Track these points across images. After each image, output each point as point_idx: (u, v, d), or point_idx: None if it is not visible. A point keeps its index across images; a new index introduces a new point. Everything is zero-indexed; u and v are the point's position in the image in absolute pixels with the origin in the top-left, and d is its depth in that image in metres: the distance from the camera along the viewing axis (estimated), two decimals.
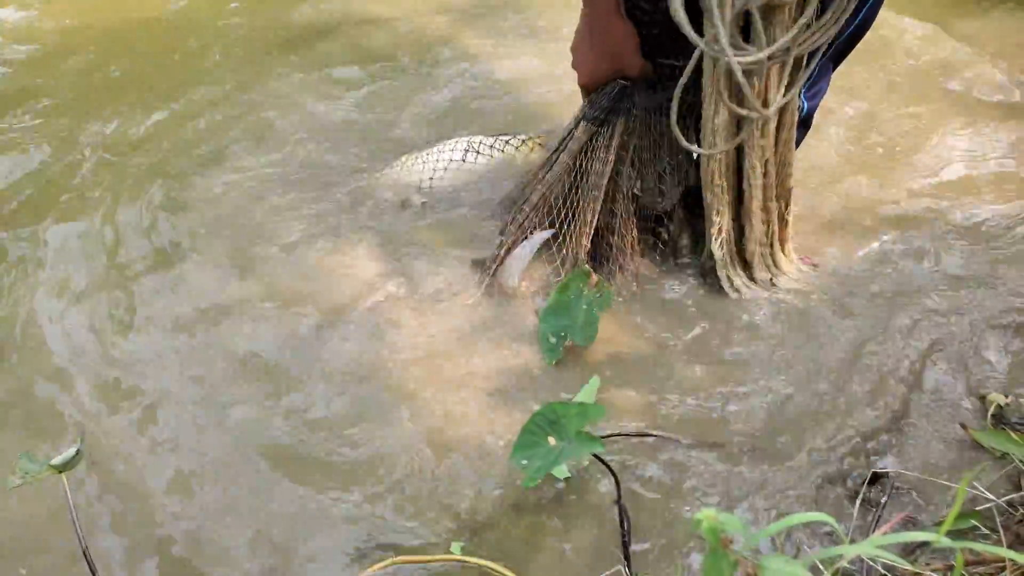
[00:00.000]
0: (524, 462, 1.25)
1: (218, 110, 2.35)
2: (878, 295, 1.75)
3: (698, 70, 1.45)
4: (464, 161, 1.99)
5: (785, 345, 1.64)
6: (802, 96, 1.59)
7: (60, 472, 1.24)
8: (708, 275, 1.75)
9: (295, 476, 1.43)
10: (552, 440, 1.26)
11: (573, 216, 1.74)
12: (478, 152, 2.00)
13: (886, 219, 1.96)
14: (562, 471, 1.40)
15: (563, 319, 1.64)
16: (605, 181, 1.70)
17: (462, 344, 1.64)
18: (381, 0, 2.93)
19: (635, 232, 1.76)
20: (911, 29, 2.70)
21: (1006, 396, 1.52)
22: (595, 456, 1.29)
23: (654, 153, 1.71)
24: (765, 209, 1.64)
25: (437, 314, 1.70)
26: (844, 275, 1.80)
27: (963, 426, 1.47)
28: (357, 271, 1.81)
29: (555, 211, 1.75)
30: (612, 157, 1.69)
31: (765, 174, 1.58)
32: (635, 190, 1.73)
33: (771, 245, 1.71)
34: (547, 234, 1.75)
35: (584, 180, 1.72)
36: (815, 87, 1.65)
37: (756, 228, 1.66)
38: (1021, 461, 1.19)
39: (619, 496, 1.33)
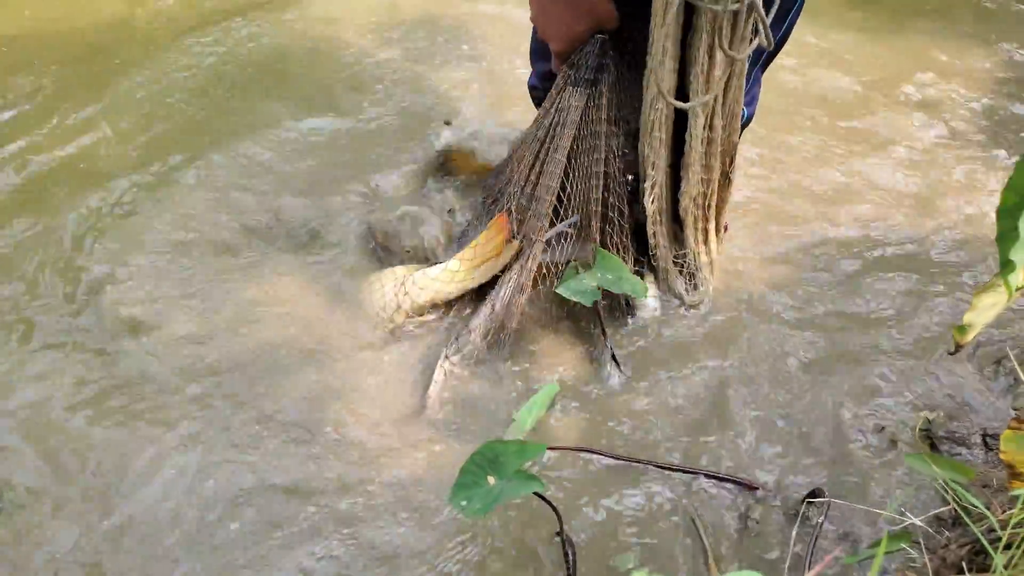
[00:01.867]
0: (464, 503, 1.24)
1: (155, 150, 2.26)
2: (811, 311, 1.79)
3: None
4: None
5: (723, 364, 1.67)
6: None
7: None
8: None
9: (236, 510, 1.40)
10: (491, 479, 1.25)
11: (588, 192, 1.67)
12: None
13: (817, 234, 2.00)
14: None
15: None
16: (603, 144, 1.64)
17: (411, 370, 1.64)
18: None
19: (627, 202, 1.70)
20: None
21: (932, 411, 1.57)
22: (537, 495, 1.29)
23: (630, 108, 1.66)
24: (706, 166, 1.60)
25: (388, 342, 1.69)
26: (778, 291, 1.83)
27: (894, 442, 1.52)
28: (304, 302, 1.78)
29: (569, 188, 1.67)
30: (605, 117, 1.62)
31: (710, 127, 1.56)
32: (623, 149, 1.67)
33: (707, 207, 1.67)
34: (572, 220, 1.69)
35: (585, 147, 1.64)
36: (749, 94, 1.66)
37: (692, 183, 1.62)
38: (944, 483, 1.23)
39: (561, 529, 1.33)
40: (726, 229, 1.80)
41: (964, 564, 1.10)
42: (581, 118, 1.62)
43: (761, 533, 1.39)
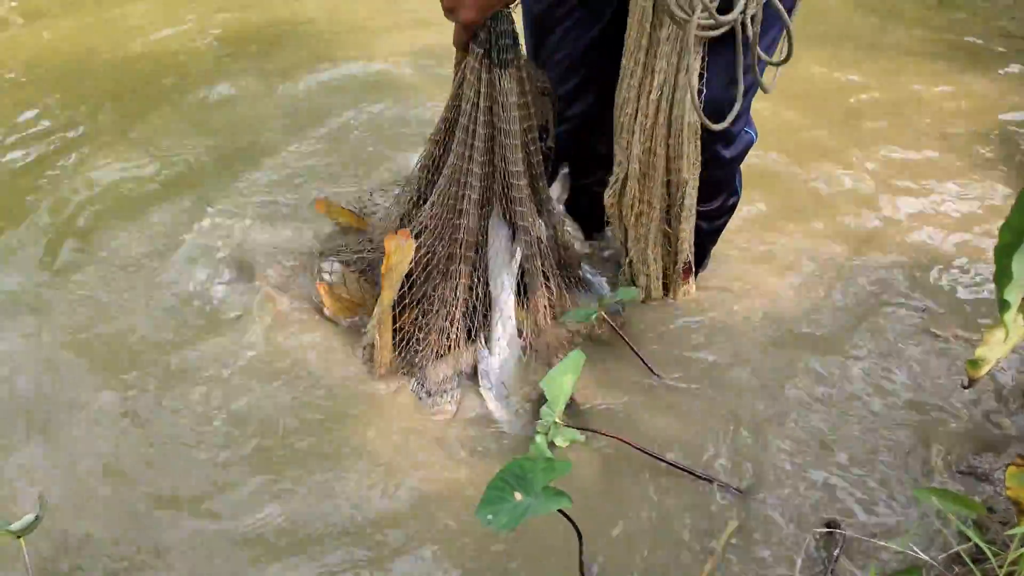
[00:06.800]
0: (490, 517, 1.29)
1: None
2: (823, 334, 1.84)
3: None
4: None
5: (741, 388, 1.72)
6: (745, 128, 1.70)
7: (19, 537, 1.24)
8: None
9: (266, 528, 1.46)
10: (518, 495, 1.30)
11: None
12: None
13: (826, 258, 2.05)
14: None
15: None
16: (538, 117, 1.68)
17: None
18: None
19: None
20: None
21: (953, 445, 1.59)
22: (562, 513, 1.34)
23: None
24: (645, 174, 1.63)
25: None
26: (782, 312, 1.88)
27: (912, 475, 1.54)
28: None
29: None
30: (532, 89, 1.63)
31: (652, 135, 1.58)
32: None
33: (646, 224, 1.72)
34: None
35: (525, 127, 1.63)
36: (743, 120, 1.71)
37: (629, 187, 1.66)
38: (959, 519, 1.25)
39: (581, 550, 1.37)
40: (688, 272, 1.82)
41: None
42: (519, 98, 1.58)
43: (769, 563, 1.42)
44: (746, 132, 1.73)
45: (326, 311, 1.80)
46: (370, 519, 1.47)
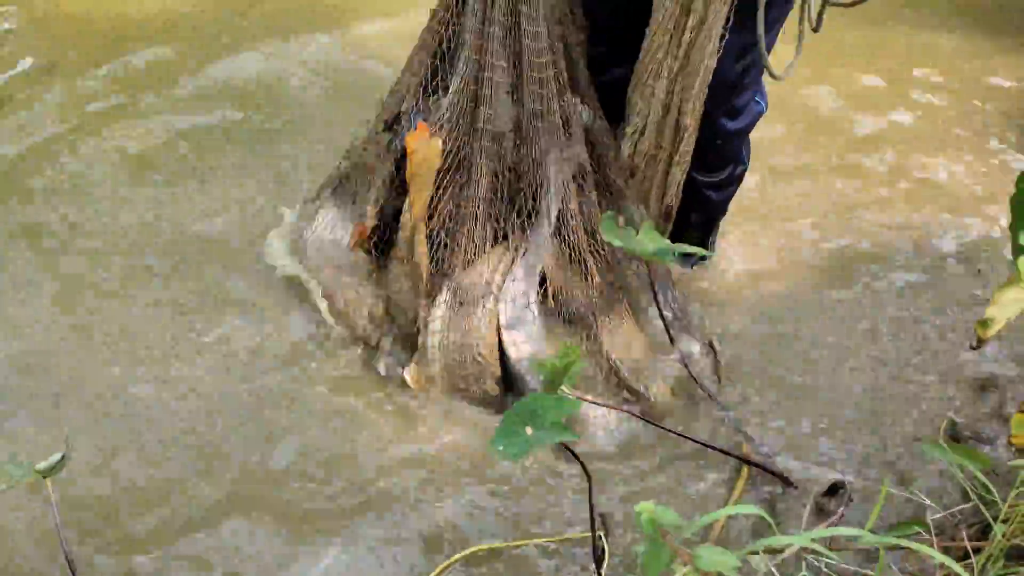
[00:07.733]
0: (501, 448, 1.35)
1: None
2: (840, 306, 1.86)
3: None
4: None
5: (759, 349, 1.76)
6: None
7: (45, 477, 1.27)
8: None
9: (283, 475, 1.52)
10: (529, 430, 1.36)
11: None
12: None
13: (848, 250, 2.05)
14: None
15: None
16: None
17: None
18: None
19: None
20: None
21: (959, 412, 1.61)
22: (565, 447, 1.38)
23: None
24: (659, 131, 1.64)
25: None
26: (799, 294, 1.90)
27: (918, 439, 1.57)
28: None
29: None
30: None
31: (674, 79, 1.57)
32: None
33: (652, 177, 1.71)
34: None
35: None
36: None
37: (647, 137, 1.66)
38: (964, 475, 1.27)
39: (590, 488, 1.41)
40: (668, 216, 1.78)
41: (967, 544, 1.15)
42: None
43: (779, 517, 1.45)
44: (756, 103, 1.73)
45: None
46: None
